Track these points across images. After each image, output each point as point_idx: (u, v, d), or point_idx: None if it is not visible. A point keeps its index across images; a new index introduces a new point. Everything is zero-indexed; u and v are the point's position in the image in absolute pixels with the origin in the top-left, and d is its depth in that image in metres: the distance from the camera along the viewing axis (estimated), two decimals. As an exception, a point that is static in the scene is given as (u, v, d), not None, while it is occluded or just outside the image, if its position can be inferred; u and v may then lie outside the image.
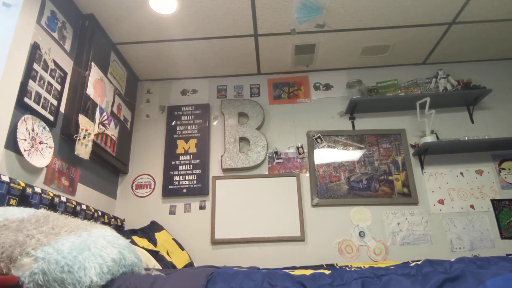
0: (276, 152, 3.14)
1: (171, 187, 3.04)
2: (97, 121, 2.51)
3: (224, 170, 3.08)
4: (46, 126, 2.03)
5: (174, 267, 2.37)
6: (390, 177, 3.01)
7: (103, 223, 2.51)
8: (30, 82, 1.89)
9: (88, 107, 2.39)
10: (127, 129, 3.11)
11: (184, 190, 3.02)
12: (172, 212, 2.99)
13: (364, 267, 1.68)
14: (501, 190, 2.94)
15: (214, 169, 3.11)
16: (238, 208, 2.95)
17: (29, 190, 1.74)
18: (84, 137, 2.28)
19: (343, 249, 2.82)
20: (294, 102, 3.36)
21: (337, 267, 2.06)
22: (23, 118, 1.84)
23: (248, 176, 3.06)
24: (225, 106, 3.27)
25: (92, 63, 2.49)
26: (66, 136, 2.23)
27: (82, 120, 2.29)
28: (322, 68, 3.43)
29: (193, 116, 3.28)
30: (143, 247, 2.23)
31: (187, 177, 3.06)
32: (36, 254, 1.07)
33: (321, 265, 2.34)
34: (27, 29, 1.92)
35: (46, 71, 2.05)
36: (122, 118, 3.00)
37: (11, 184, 1.62)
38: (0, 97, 1.69)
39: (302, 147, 3.15)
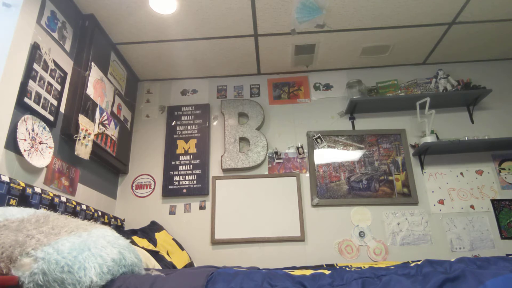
0: (276, 152, 3.14)
1: (171, 187, 3.04)
2: (97, 121, 2.51)
3: (224, 170, 3.08)
4: (46, 126, 2.03)
5: (174, 267, 2.37)
6: (390, 177, 3.01)
7: (103, 223, 2.51)
8: (30, 82, 1.89)
9: (88, 107, 2.39)
10: (127, 129, 3.11)
11: (184, 190, 3.02)
12: (172, 212, 2.99)
13: (364, 267, 1.68)
14: (501, 190, 2.94)
15: (214, 169, 3.11)
16: (238, 208, 2.95)
17: (29, 190, 1.74)
18: (84, 137, 2.28)
19: (343, 249, 2.82)
20: (294, 102, 3.36)
21: (337, 267, 2.06)
22: (23, 118, 1.84)
23: (248, 176, 3.06)
24: (225, 106, 3.27)
25: (92, 63, 2.49)
26: (66, 136, 2.23)
27: (82, 120, 2.29)
28: (322, 68, 3.43)
29: (193, 116, 3.28)
30: (143, 247, 2.23)
31: (187, 177, 3.06)
32: (36, 254, 1.07)
33: (321, 265, 2.34)
34: (27, 29, 1.92)
35: (46, 71, 2.05)
36: (122, 118, 3.00)
37: (11, 184, 1.62)
38: (0, 97, 1.69)
39: (302, 147, 3.15)
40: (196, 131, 3.22)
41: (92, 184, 2.61)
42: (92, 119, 2.45)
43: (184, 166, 3.10)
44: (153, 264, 2.05)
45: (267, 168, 3.10)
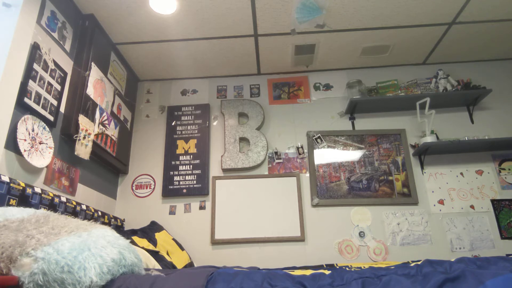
0: (276, 152, 3.14)
1: (171, 187, 3.04)
2: (97, 121, 2.51)
3: (224, 170, 3.08)
4: (46, 126, 2.03)
5: (174, 267, 2.37)
6: (390, 177, 3.01)
7: (103, 223, 2.51)
8: (30, 82, 1.89)
9: (88, 107, 2.39)
10: (127, 129, 3.11)
11: (184, 190, 3.02)
12: (172, 212, 2.99)
13: (364, 267, 1.68)
14: (501, 190, 2.94)
15: (214, 169, 3.11)
16: (238, 208, 2.95)
17: (29, 190, 1.74)
18: (84, 137, 2.28)
19: (343, 249, 2.82)
20: (294, 102, 3.36)
21: (337, 267, 2.06)
22: (23, 118, 1.84)
23: (248, 176, 3.06)
24: (225, 106, 3.27)
25: (92, 63, 2.49)
26: (66, 136, 2.23)
27: (82, 120, 2.29)
28: (322, 68, 3.43)
29: (193, 116, 3.28)
30: (143, 247, 2.23)
31: (187, 177, 3.06)
32: (36, 254, 1.07)
33: (321, 265, 2.34)
34: (27, 29, 1.92)
35: (46, 71, 2.05)
36: (122, 118, 3.00)
37: (11, 184, 1.62)
38: (0, 97, 1.69)
39: (302, 147, 3.15)
40: (196, 131, 3.22)
41: (92, 184, 2.61)
42: (92, 119, 2.45)
43: (184, 166, 3.09)
44: (153, 264, 2.05)
45: (267, 168, 3.10)
